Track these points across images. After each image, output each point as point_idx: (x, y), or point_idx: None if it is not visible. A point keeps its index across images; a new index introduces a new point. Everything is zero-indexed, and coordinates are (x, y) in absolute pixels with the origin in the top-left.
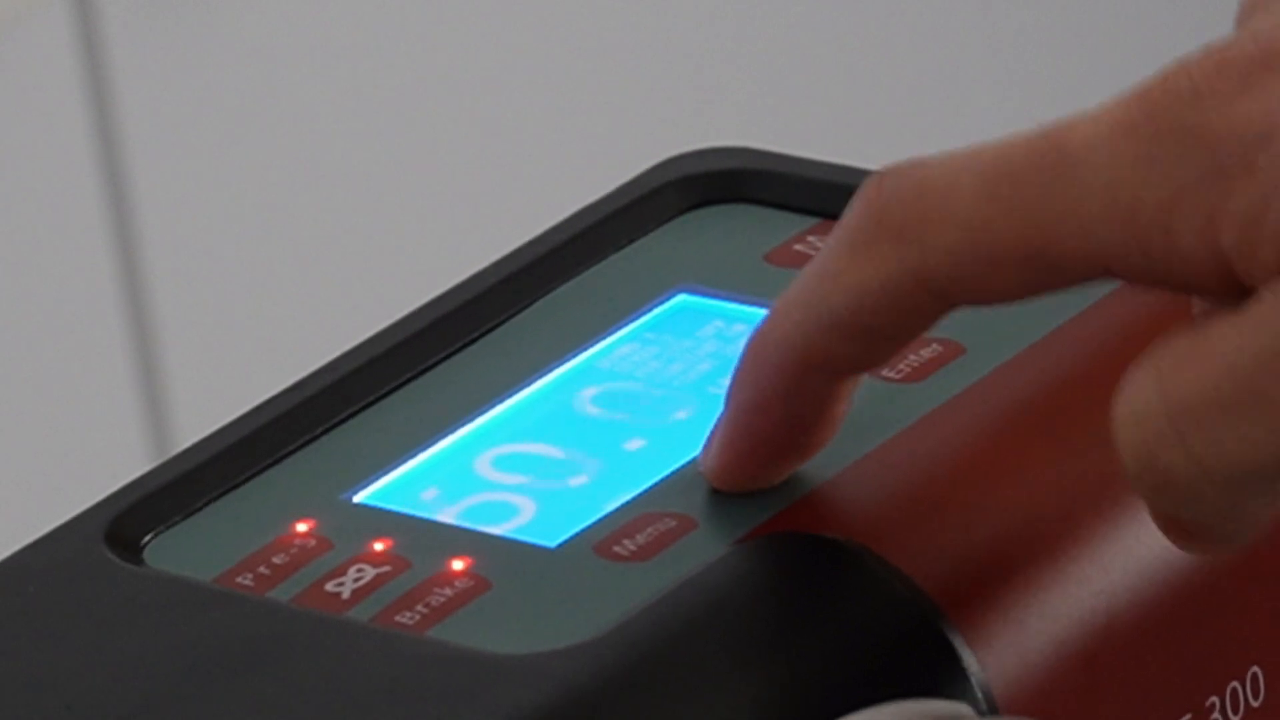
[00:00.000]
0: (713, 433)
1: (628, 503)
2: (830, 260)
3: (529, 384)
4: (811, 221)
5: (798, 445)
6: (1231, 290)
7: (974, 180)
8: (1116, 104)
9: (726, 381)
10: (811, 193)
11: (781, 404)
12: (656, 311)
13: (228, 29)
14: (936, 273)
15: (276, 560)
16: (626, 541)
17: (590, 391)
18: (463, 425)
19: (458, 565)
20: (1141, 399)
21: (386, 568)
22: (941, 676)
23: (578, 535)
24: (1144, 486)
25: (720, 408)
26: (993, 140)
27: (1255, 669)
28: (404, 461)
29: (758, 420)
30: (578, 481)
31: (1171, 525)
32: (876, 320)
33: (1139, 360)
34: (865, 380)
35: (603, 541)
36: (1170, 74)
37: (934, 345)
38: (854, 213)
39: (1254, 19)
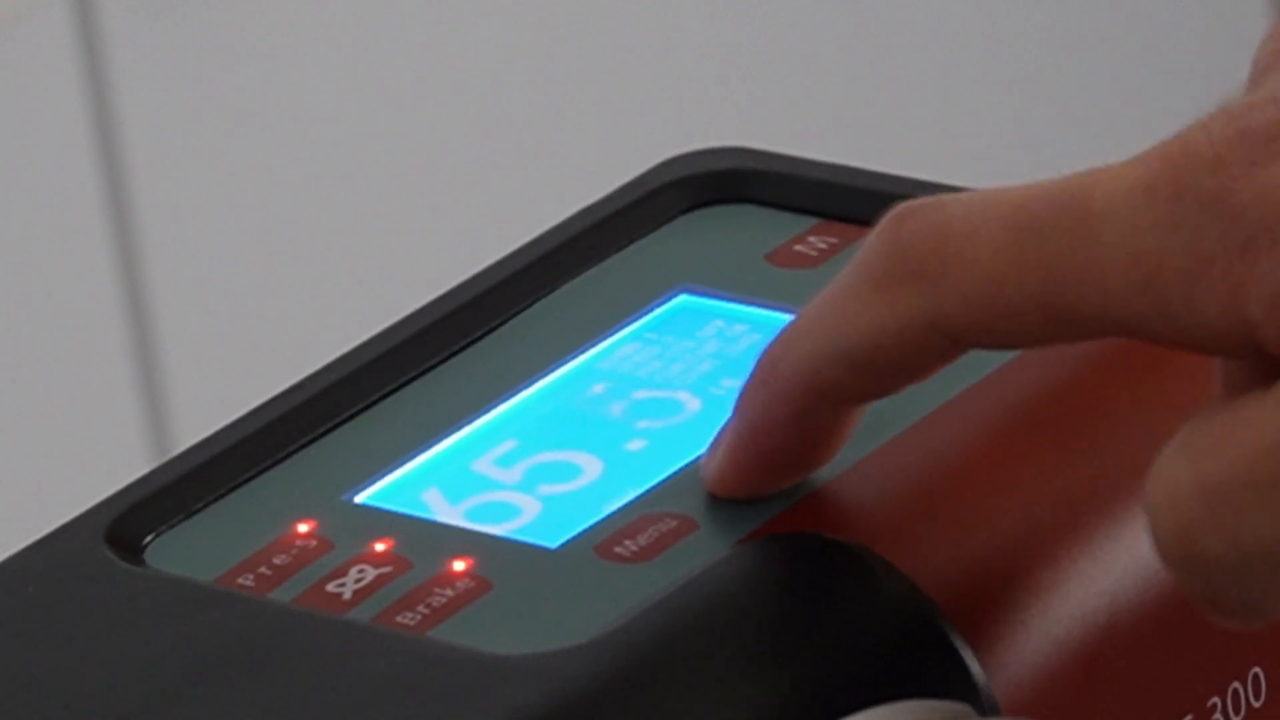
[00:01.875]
0: (716, 441)
1: (629, 503)
2: (846, 295)
3: (530, 384)
4: (812, 221)
5: (799, 464)
6: (1255, 356)
7: (995, 229)
8: (1138, 163)
9: (728, 382)
10: (811, 193)
11: (788, 428)
12: (657, 312)
13: (228, 29)
14: (953, 319)
15: (277, 561)
16: (628, 542)
17: (591, 392)
18: (464, 426)
19: (459, 566)
20: (1175, 483)
21: (387, 568)
22: (943, 677)
23: (579, 536)
24: (1181, 570)
25: (722, 410)
26: (1014, 187)
27: (1256, 669)
28: (405, 462)
29: (762, 439)
30: (579, 482)
31: (1211, 605)
32: (889, 358)
33: (1170, 442)
34: None
35: (604, 542)
36: (1190, 137)
37: None
38: (873, 250)
39: (1269, 78)
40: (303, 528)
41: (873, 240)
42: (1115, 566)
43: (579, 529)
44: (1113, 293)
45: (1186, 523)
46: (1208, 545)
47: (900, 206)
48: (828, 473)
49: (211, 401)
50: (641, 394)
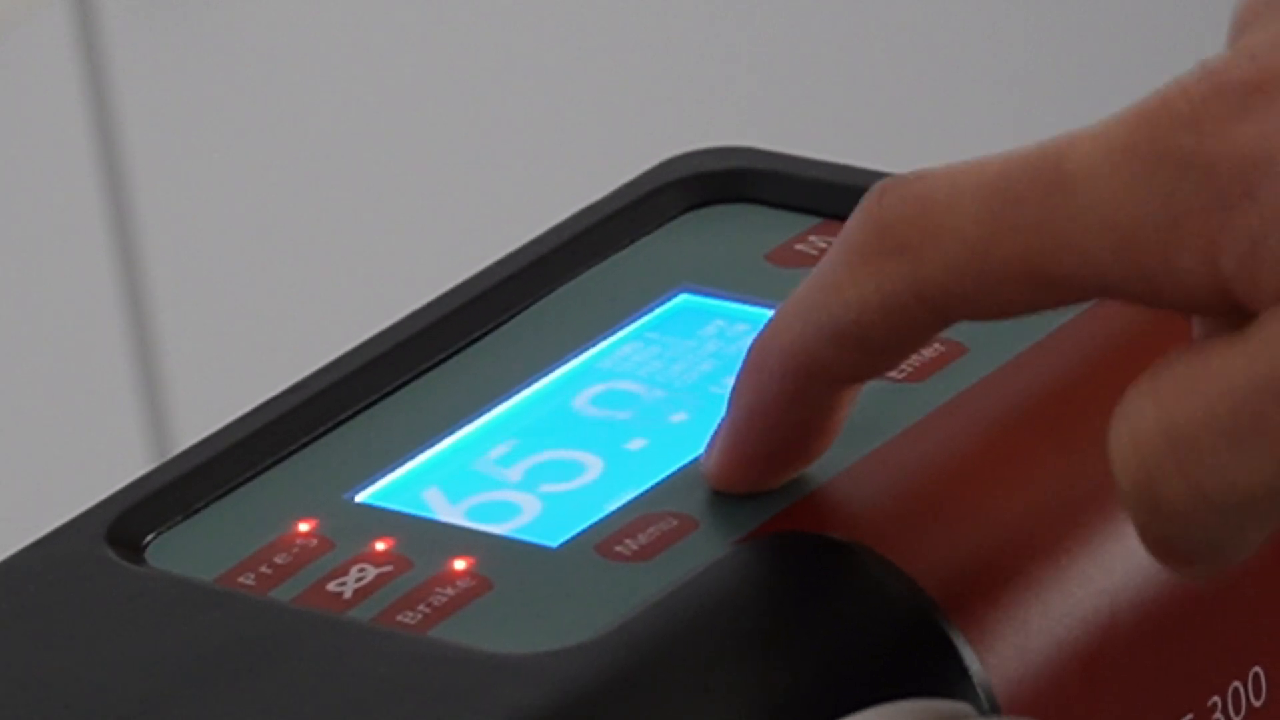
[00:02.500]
0: (714, 436)
1: (629, 503)
2: (831, 272)
3: (531, 384)
4: (812, 221)
5: (798, 451)
6: (1231, 312)
7: (974, 198)
8: (1115, 123)
9: (728, 381)
10: (812, 193)
11: (782, 411)
12: (658, 311)
13: (228, 29)
14: (936, 289)
15: (278, 560)
16: (628, 541)
17: (592, 391)
18: (464, 425)
19: (459, 565)
20: (1140, 424)
21: (388, 567)
22: (943, 676)
23: (579, 535)
24: (1140, 511)
25: (722, 408)
26: (994, 155)
27: (1257, 669)
28: (405, 461)
29: (758, 426)
30: (579, 481)
31: (1163, 549)
32: (876, 333)
33: (1136, 383)
34: None
35: (604, 541)
36: (1167, 95)
37: (936, 345)
38: (855, 225)
39: (1247, 35)
40: (303, 527)
41: (855, 216)
42: (1115, 566)
43: (579, 528)
44: (1091, 255)
45: (1149, 464)
46: (1169, 487)
47: (881, 182)
48: (828, 472)
49: (211, 401)
50: (642, 393)
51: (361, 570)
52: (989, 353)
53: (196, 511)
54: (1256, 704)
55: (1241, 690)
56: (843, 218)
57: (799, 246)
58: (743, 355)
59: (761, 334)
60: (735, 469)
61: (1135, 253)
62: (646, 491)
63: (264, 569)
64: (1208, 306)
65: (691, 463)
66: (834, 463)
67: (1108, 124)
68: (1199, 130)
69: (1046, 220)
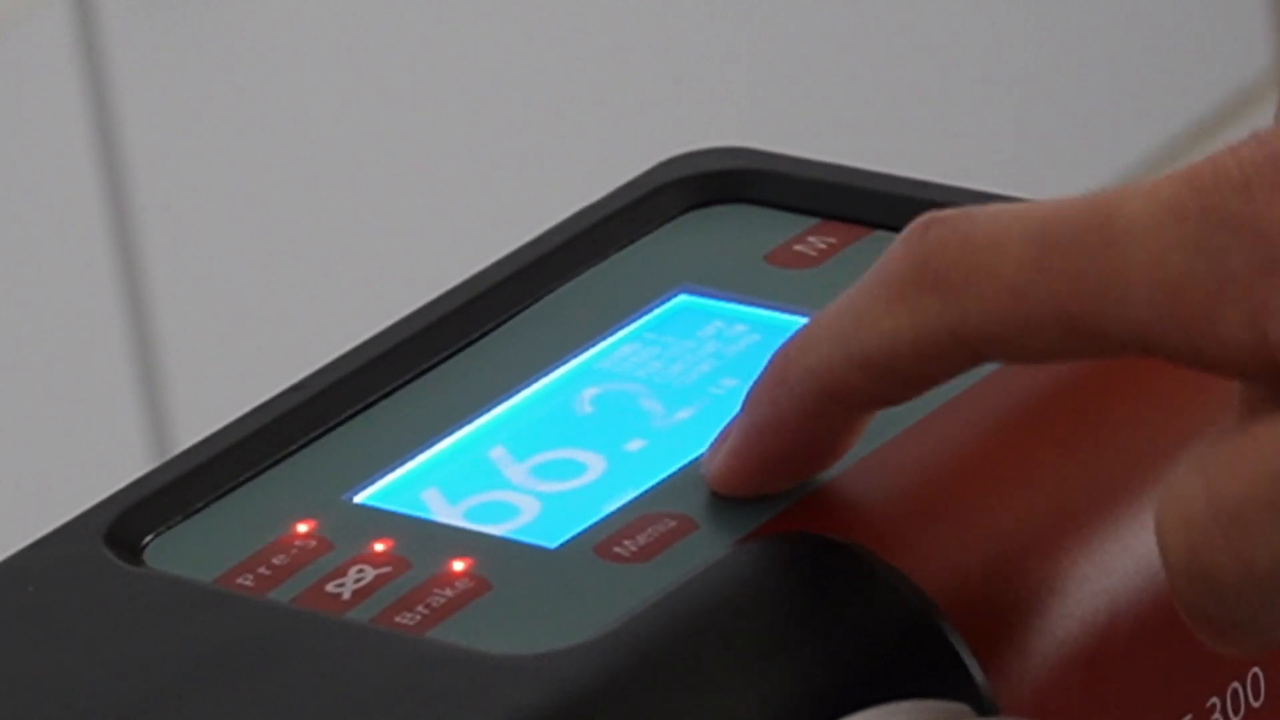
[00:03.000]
0: (720, 438)
1: (628, 503)
2: (867, 300)
3: (530, 384)
4: (811, 221)
5: (804, 467)
6: (1274, 377)
7: (1020, 243)
8: (1165, 183)
9: (728, 382)
10: (811, 193)
11: (797, 428)
12: (657, 312)
13: (228, 29)
14: (974, 331)
15: (277, 561)
16: (627, 542)
17: (591, 392)
18: (463, 425)
19: (458, 566)
20: (1189, 502)
21: (387, 568)
22: (942, 677)
23: (578, 536)
24: (1188, 588)
25: (722, 410)
26: (1042, 201)
27: (1256, 669)
28: (404, 462)
29: (770, 439)
30: (578, 482)
31: (1208, 625)
32: (906, 365)
33: (1184, 460)
34: None
35: (603, 542)
36: (1219, 159)
37: None
38: (896, 256)
39: None
40: (302, 528)
41: (897, 247)
42: (1115, 566)
43: (578, 529)
44: (1134, 311)
45: (1198, 542)
46: (1218, 564)
47: (926, 215)
48: (827, 473)
49: (211, 401)
50: (641, 394)
51: (360, 571)
52: None
53: (195, 512)
54: (1255, 705)
55: (1240, 691)
56: (843, 218)
57: (798, 247)
58: (742, 355)
59: (787, 347)
60: (740, 476)
61: (1178, 313)
62: (646, 492)
63: (263, 570)
64: (1251, 372)
65: (691, 463)
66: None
67: (1158, 183)
68: (1249, 196)
69: (1090, 271)
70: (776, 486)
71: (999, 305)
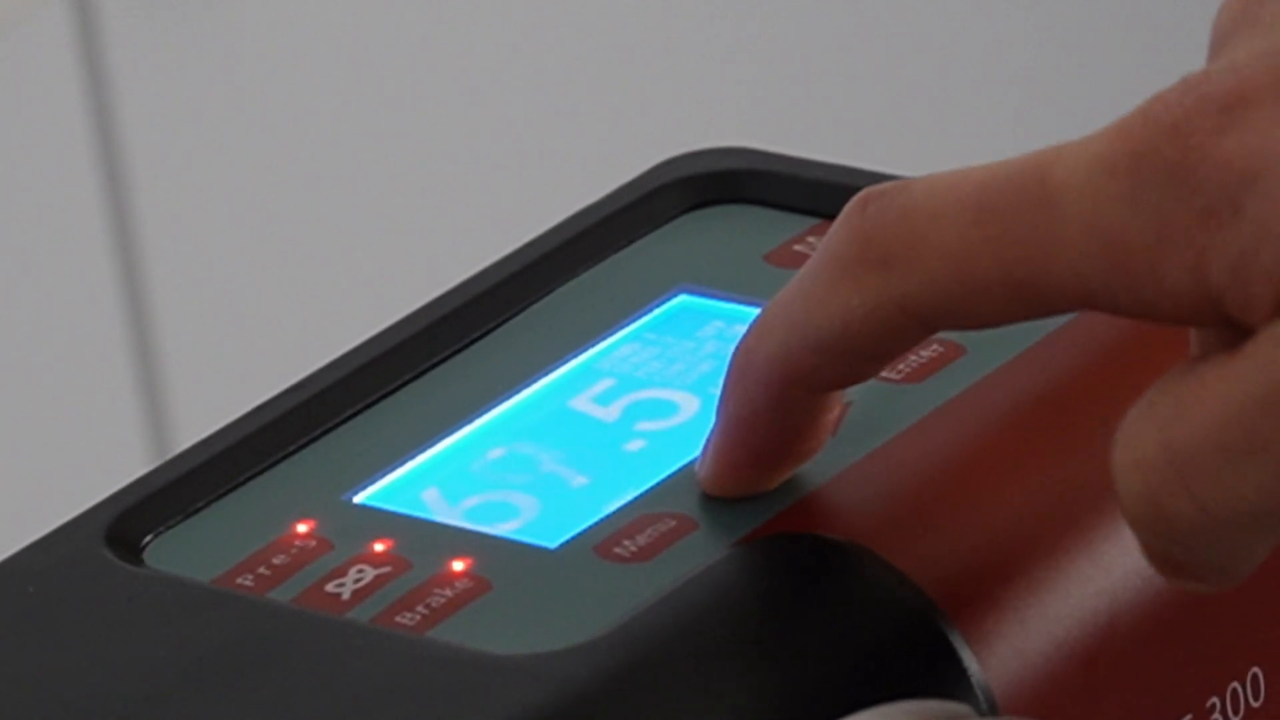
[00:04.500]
0: (706, 443)
1: (628, 503)
2: (814, 283)
3: (529, 384)
4: (811, 221)
5: (789, 454)
6: (1224, 325)
7: (958, 209)
8: (1098, 137)
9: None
10: (811, 193)
11: (769, 418)
12: (657, 312)
13: (228, 29)
14: (921, 302)
15: (277, 561)
16: (627, 542)
17: (590, 392)
18: (463, 425)
19: (458, 566)
20: (1142, 446)
21: (387, 568)
22: (941, 677)
23: (578, 536)
24: (1147, 532)
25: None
26: (977, 166)
27: (1255, 669)
28: (404, 462)
29: (746, 433)
30: (578, 482)
31: (1171, 567)
32: (861, 343)
33: (1135, 406)
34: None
35: (603, 542)
36: (1150, 109)
37: (934, 345)
38: (839, 236)
39: (1227, 49)
40: (302, 528)
41: (838, 226)
42: (1115, 566)
43: (578, 529)
44: (1077, 267)
45: (1154, 486)
46: (1175, 508)
47: (864, 191)
48: (826, 473)
49: (211, 401)
50: (640, 394)
51: (360, 571)
52: (987, 354)
53: (195, 512)
54: (1255, 704)
55: (1240, 691)
56: None
57: (797, 247)
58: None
59: (744, 341)
60: (727, 475)
61: (1121, 265)
62: (645, 492)
63: (263, 570)
64: (1197, 319)
65: (690, 463)
66: (833, 463)
67: (1091, 138)
68: (1183, 143)
69: (1030, 233)
70: (766, 483)
71: (943, 275)
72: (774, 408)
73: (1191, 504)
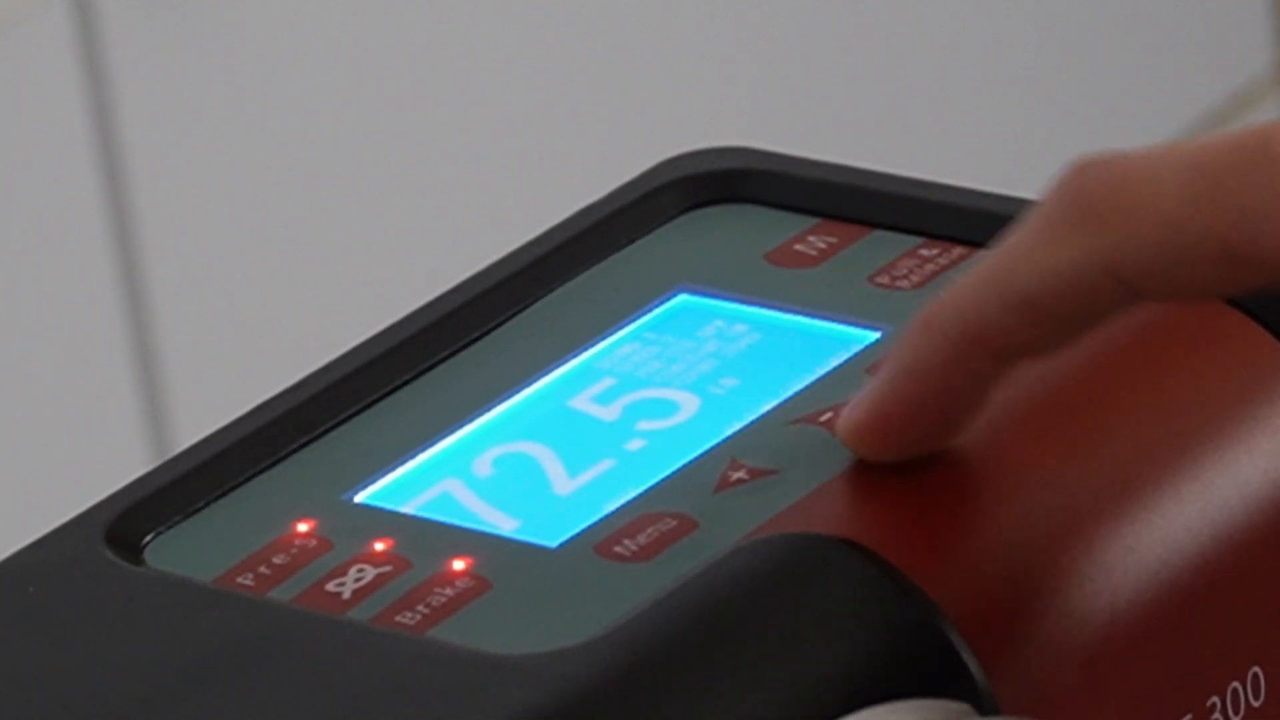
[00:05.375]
0: (860, 394)
1: (628, 503)
2: (1023, 240)
3: (529, 384)
4: (811, 221)
5: (942, 422)
6: None
7: (1175, 175)
8: None
9: (728, 381)
10: (811, 193)
11: (940, 374)
12: (657, 311)
13: (228, 29)
14: (1129, 264)
15: (277, 560)
16: (627, 542)
17: (591, 391)
18: (463, 425)
19: (458, 565)
20: None
21: (387, 568)
22: (942, 677)
23: (578, 535)
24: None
25: (722, 410)
26: (1195, 139)
27: (1256, 669)
28: (404, 461)
29: (912, 386)
30: (578, 482)
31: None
32: (1060, 305)
33: None
34: (864, 382)
35: (603, 542)
36: None
37: None
38: (1054, 196)
39: None
40: (302, 527)
41: (1053, 188)
42: (1115, 567)
43: (578, 528)
44: None
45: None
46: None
47: (1081, 157)
48: (827, 473)
49: (211, 401)
50: (640, 394)
51: (360, 570)
52: None
53: (195, 512)
54: (1255, 704)
55: (1240, 690)
56: (843, 218)
57: (798, 247)
58: (742, 355)
59: (939, 295)
60: (874, 427)
61: None
62: (646, 492)
63: (263, 569)
64: None
65: (691, 463)
66: (833, 463)
67: None
68: None
69: (1247, 198)
70: (909, 445)
71: (1155, 237)
72: (948, 364)
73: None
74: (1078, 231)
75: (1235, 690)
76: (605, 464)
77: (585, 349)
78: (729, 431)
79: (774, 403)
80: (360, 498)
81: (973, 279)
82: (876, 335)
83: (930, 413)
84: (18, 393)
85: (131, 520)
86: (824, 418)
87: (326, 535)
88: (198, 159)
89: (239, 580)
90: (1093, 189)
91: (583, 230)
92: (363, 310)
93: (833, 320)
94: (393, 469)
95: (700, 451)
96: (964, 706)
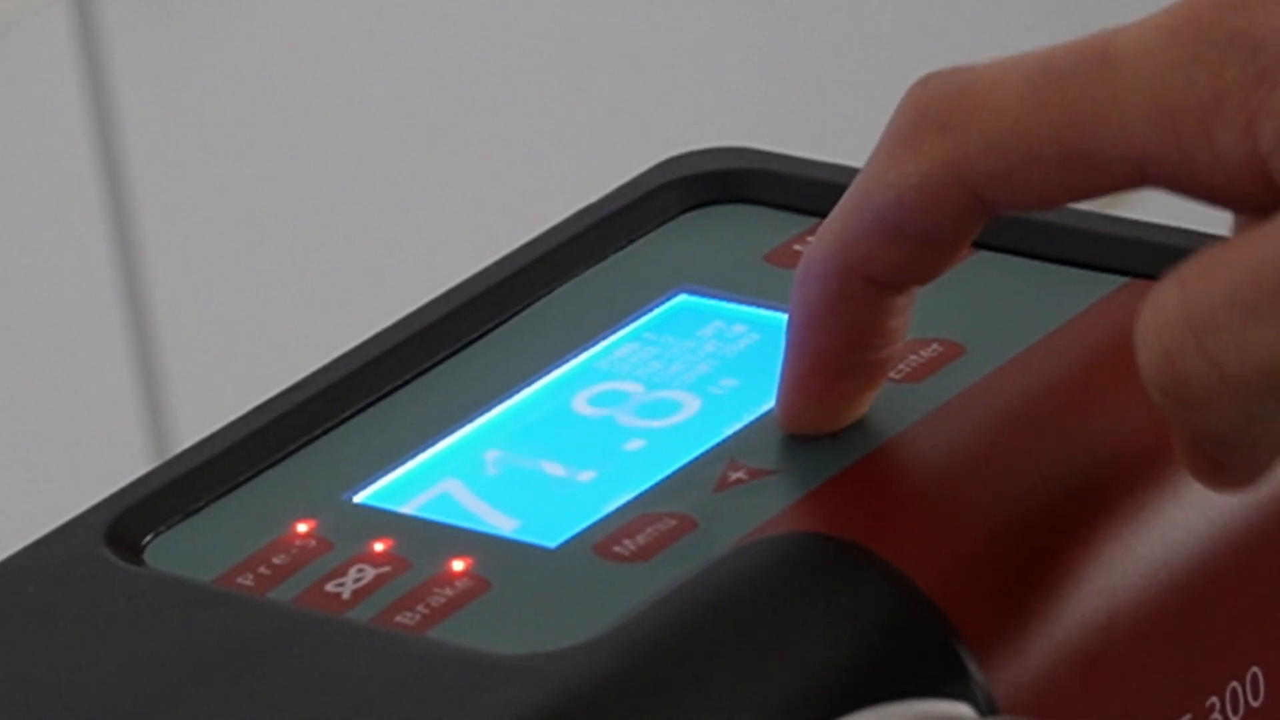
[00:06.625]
0: (779, 378)
1: (628, 503)
2: (873, 162)
3: (529, 384)
4: (811, 221)
5: (857, 364)
6: (1267, 202)
7: (1017, 78)
8: (1164, 11)
9: (727, 382)
10: (811, 193)
11: (832, 316)
12: (657, 312)
13: (228, 29)
14: (975, 167)
15: (277, 560)
16: (626, 542)
17: (590, 392)
18: (463, 425)
19: (458, 565)
20: (1164, 309)
21: (387, 568)
22: (941, 676)
23: (578, 536)
24: (1162, 395)
25: (722, 410)
26: (1038, 49)
27: (1255, 669)
28: (404, 462)
29: (812, 337)
30: (578, 482)
31: (1195, 454)
32: (916, 220)
33: (1167, 274)
34: None
35: (603, 542)
36: None
37: (934, 345)
38: (898, 113)
39: None
40: (302, 527)
41: (900, 105)
42: (1115, 566)
43: (578, 529)
44: (1132, 130)
45: (1169, 347)
46: (1189, 368)
47: (924, 74)
48: (827, 472)
49: (211, 401)
50: (641, 394)
51: (360, 571)
52: (987, 353)
53: (195, 512)
54: (1254, 704)
55: (1240, 690)
56: None
57: (798, 247)
58: (742, 355)
59: (808, 247)
60: (798, 400)
61: (1176, 130)
62: (645, 492)
63: (263, 569)
64: (1245, 191)
65: (691, 463)
66: (833, 463)
67: (1157, 13)
68: (1247, 11)
69: (1088, 96)
70: (839, 406)
71: (999, 139)
72: (834, 304)
73: (1204, 361)
74: (925, 141)
75: (1234, 690)
76: (605, 464)
77: (585, 349)
78: (729, 431)
79: (773, 403)
80: (360, 498)
81: (836, 211)
82: None
83: (844, 358)
84: (18, 393)
85: (131, 520)
86: None
87: (326, 535)
88: (197, 158)
89: (239, 580)
90: (937, 98)
91: (582, 230)
92: (363, 310)
93: None
94: (392, 469)
95: (700, 452)
96: (964, 707)
